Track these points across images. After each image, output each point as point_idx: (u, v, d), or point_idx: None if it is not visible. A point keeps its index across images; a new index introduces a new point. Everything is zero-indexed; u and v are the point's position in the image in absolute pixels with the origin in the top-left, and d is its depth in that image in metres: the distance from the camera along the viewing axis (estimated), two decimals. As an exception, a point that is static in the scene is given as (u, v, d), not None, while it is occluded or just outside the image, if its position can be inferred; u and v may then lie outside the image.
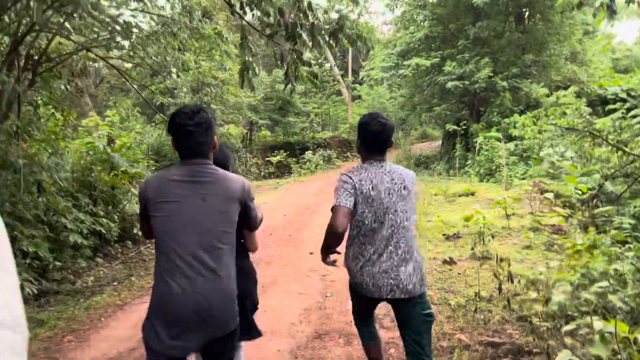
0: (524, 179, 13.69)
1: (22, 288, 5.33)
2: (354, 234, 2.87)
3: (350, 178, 2.82)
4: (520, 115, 16.89)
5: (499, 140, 15.64)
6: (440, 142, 34.75)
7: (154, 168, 20.28)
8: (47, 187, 6.04)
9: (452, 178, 16.86)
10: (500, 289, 5.22)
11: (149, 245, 9.43)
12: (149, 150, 13.50)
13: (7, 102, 6.38)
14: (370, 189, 2.78)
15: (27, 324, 0.93)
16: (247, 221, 2.48)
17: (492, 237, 8.03)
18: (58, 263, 6.13)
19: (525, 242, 7.92)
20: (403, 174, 2.89)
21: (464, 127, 17.49)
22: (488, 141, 15.44)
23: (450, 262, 6.95)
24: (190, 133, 2.17)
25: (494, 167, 14.79)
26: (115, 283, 6.75)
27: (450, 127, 17.44)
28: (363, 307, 3.13)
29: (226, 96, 18.26)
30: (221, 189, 2.22)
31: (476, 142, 16.54)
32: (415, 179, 2.98)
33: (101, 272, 7.44)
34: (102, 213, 8.71)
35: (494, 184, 14.01)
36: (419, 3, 19.92)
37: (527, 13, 18.72)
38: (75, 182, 8.80)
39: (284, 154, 22.55)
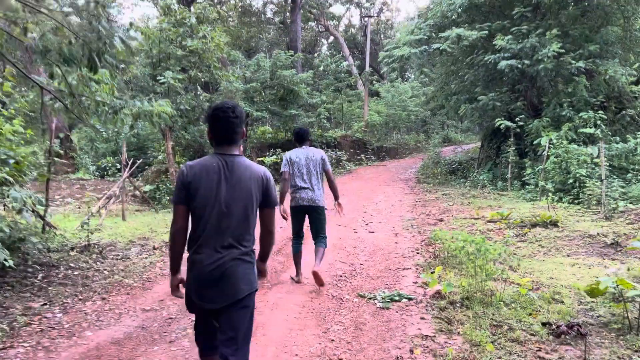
0: (625, 201, 9.06)
1: None
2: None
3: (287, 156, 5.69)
4: (600, 109, 12.24)
5: (577, 141, 11.02)
6: (469, 146, 30.05)
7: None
8: None
9: (505, 194, 12.19)
10: None
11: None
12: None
13: None
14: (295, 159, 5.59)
15: None
16: None
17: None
18: None
19: None
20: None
21: (519, 123, 12.80)
22: (560, 143, 10.76)
23: None
24: (230, 124, 2.58)
25: (571, 181, 10.12)
26: None
27: (502, 122, 12.75)
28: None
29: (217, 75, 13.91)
30: None
31: (538, 144, 11.89)
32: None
33: None
34: None
35: (578, 207, 9.33)
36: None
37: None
38: None
39: (282, 154, 17.98)
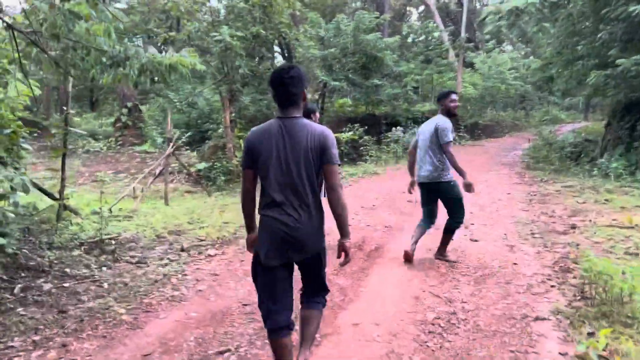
0: None
1: None
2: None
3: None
4: None
5: None
6: (576, 125, 25.93)
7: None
8: None
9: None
10: None
11: None
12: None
13: None
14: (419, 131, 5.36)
15: None
16: None
17: None
18: None
19: None
20: None
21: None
22: None
23: None
24: (285, 85, 2.60)
25: None
26: None
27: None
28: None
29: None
30: None
31: None
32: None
33: None
34: None
35: None
36: None
37: None
38: None
39: (361, 131, 15.75)
